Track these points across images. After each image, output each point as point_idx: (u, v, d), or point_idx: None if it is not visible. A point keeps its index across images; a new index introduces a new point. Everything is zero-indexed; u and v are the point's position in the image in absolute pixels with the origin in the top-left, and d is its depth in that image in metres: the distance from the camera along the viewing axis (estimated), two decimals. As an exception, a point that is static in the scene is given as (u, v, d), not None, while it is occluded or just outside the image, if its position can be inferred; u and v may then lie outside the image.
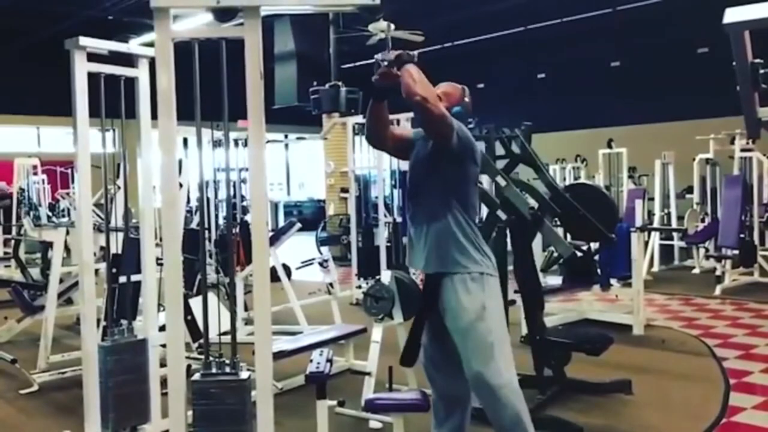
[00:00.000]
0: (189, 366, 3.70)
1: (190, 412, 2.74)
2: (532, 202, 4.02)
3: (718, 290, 7.78)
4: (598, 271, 5.97)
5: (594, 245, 5.60)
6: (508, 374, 2.79)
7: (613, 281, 6.41)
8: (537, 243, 5.59)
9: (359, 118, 8.65)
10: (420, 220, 2.89)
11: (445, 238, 2.81)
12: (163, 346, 3.48)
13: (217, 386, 2.50)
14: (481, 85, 16.56)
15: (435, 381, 3.00)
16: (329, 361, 2.79)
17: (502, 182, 3.84)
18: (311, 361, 2.82)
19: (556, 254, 5.16)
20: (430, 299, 2.88)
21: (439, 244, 2.82)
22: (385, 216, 7.94)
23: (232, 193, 6.70)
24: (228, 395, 2.48)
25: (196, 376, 2.52)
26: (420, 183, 2.95)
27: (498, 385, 2.75)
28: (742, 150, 8.87)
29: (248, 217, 7.24)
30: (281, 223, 15.14)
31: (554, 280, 6.26)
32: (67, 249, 7.06)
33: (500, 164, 4.16)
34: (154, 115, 2.92)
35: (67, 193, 11.99)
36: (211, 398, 2.48)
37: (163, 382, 3.36)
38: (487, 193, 4.24)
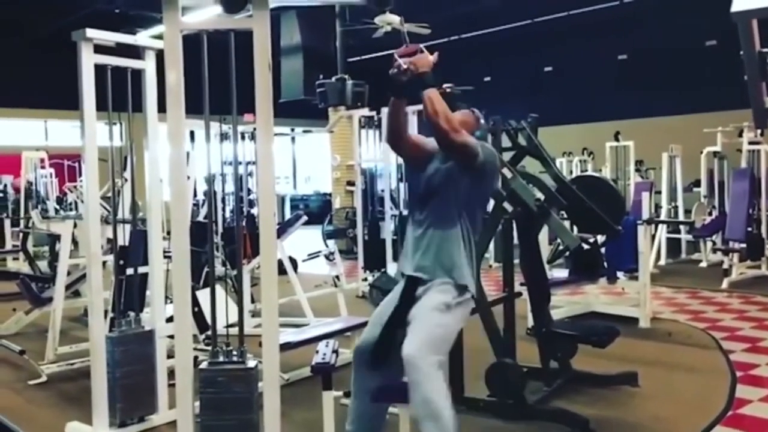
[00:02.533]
0: (196, 357, 3.72)
1: (197, 403, 2.76)
2: (539, 194, 4.02)
3: (725, 283, 7.75)
4: (605, 263, 5.96)
5: (600, 238, 5.59)
6: (438, 373, 2.66)
7: (619, 274, 6.39)
8: (543, 236, 5.58)
9: (365, 111, 8.65)
10: (427, 224, 2.88)
11: (450, 245, 2.82)
12: (171, 337, 3.50)
13: (224, 375, 2.50)
14: (487, 79, 16.53)
15: (364, 377, 2.90)
16: (335, 352, 2.79)
17: (509, 174, 3.83)
18: (317, 352, 2.83)
19: (562, 246, 5.15)
20: (409, 302, 2.83)
21: (444, 250, 2.82)
22: (392, 209, 7.94)
23: (239, 186, 6.71)
24: (235, 384, 2.49)
25: (204, 365, 2.53)
26: (438, 190, 2.91)
27: (425, 366, 2.63)
28: (750, 143, 8.82)
29: (255, 210, 7.26)
30: (288, 216, 15.16)
31: (560, 273, 6.25)
32: (74, 242, 7.10)
33: (506, 156, 4.15)
34: (161, 108, 2.93)
35: (75, 187, 12.04)
36: (218, 386, 2.49)
37: (171, 374, 3.39)
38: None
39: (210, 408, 2.51)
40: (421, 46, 2.83)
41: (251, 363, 2.55)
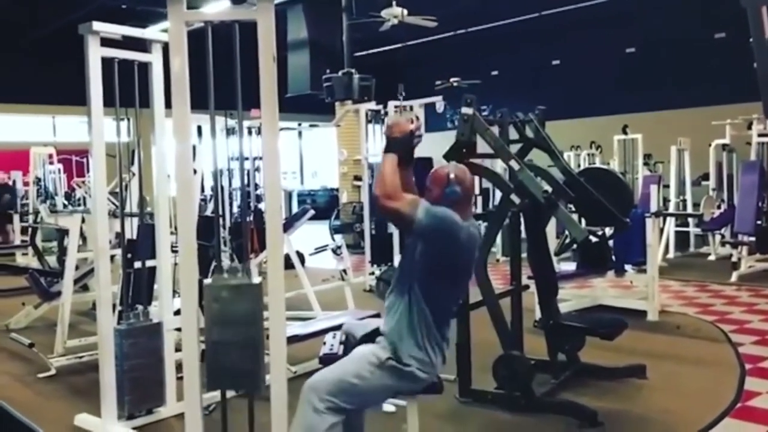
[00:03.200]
0: (203, 351, 3.73)
1: (205, 396, 2.77)
2: (547, 187, 4.00)
3: (734, 277, 7.72)
4: (613, 256, 5.94)
5: (609, 231, 5.57)
6: (317, 418, 2.56)
7: (627, 267, 6.37)
8: (550, 228, 5.56)
9: (372, 105, 8.63)
10: (392, 287, 2.87)
11: (399, 315, 2.74)
12: (178, 330, 3.52)
13: (229, 290, 2.48)
14: (495, 72, 16.48)
15: None
16: (342, 343, 2.79)
17: (516, 166, 3.82)
18: (324, 343, 2.83)
19: (569, 239, 5.14)
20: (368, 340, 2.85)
21: (397, 317, 2.75)
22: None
23: (246, 181, 6.72)
24: (240, 299, 2.47)
25: (209, 281, 2.52)
26: (402, 256, 2.95)
27: (310, 402, 2.58)
28: (759, 135, 8.76)
29: (262, 206, 7.26)
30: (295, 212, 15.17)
31: (568, 266, 6.23)
32: (83, 237, 7.13)
33: (514, 149, 4.14)
34: (167, 104, 2.94)
35: (83, 182, 12.08)
36: (223, 302, 2.47)
37: (178, 366, 3.40)
38: (501, 177, 4.22)
39: (215, 323, 2.49)
40: (415, 115, 2.96)
41: (256, 279, 2.54)
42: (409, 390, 2.78)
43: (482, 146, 4.03)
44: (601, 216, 4.25)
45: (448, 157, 3.92)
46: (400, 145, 2.82)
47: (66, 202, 11.74)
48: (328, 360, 2.69)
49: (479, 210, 8.38)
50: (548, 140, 4.19)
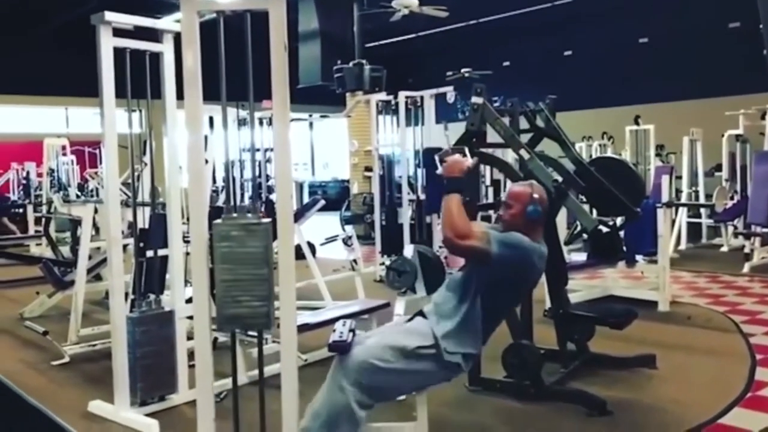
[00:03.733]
0: (215, 339, 3.77)
1: (216, 383, 2.79)
2: (557, 176, 3.99)
3: (746, 268, 7.68)
4: (624, 247, 5.92)
5: (619, 221, 5.55)
6: (342, 390, 2.64)
7: (638, 258, 6.35)
8: (561, 218, 5.55)
9: (383, 96, 8.62)
10: (452, 292, 2.92)
11: (454, 320, 2.82)
12: (190, 318, 3.55)
13: (238, 229, 2.51)
14: (507, 63, 16.42)
15: None
16: (352, 331, 2.81)
17: (526, 155, 3.82)
18: (334, 330, 2.85)
19: (579, 229, 5.13)
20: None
21: (448, 319, 2.84)
22: (409, 194, 7.93)
23: (257, 172, 6.74)
24: (249, 238, 2.49)
25: (218, 221, 2.54)
26: (467, 269, 2.96)
27: (337, 382, 2.67)
28: (773, 125, 8.70)
29: (273, 196, 7.28)
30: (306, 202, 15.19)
31: (579, 257, 6.22)
32: (96, 227, 7.19)
33: (524, 138, 4.14)
34: (179, 95, 2.96)
35: (96, 173, 12.15)
36: (232, 240, 2.50)
37: (190, 354, 3.44)
38: (511, 166, 4.22)
39: (225, 261, 2.51)
40: (465, 149, 3.02)
41: (266, 220, 2.58)
42: (445, 379, 2.89)
43: (492, 136, 4.02)
44: (612, 206, 4.24)
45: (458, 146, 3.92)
46: (463, 184, 2.85)
47: (79, 193, 11.82)
48: (336, 347, 2.71)
49: (490, 200, 8.36)
50: (559, 130, 4.18)
